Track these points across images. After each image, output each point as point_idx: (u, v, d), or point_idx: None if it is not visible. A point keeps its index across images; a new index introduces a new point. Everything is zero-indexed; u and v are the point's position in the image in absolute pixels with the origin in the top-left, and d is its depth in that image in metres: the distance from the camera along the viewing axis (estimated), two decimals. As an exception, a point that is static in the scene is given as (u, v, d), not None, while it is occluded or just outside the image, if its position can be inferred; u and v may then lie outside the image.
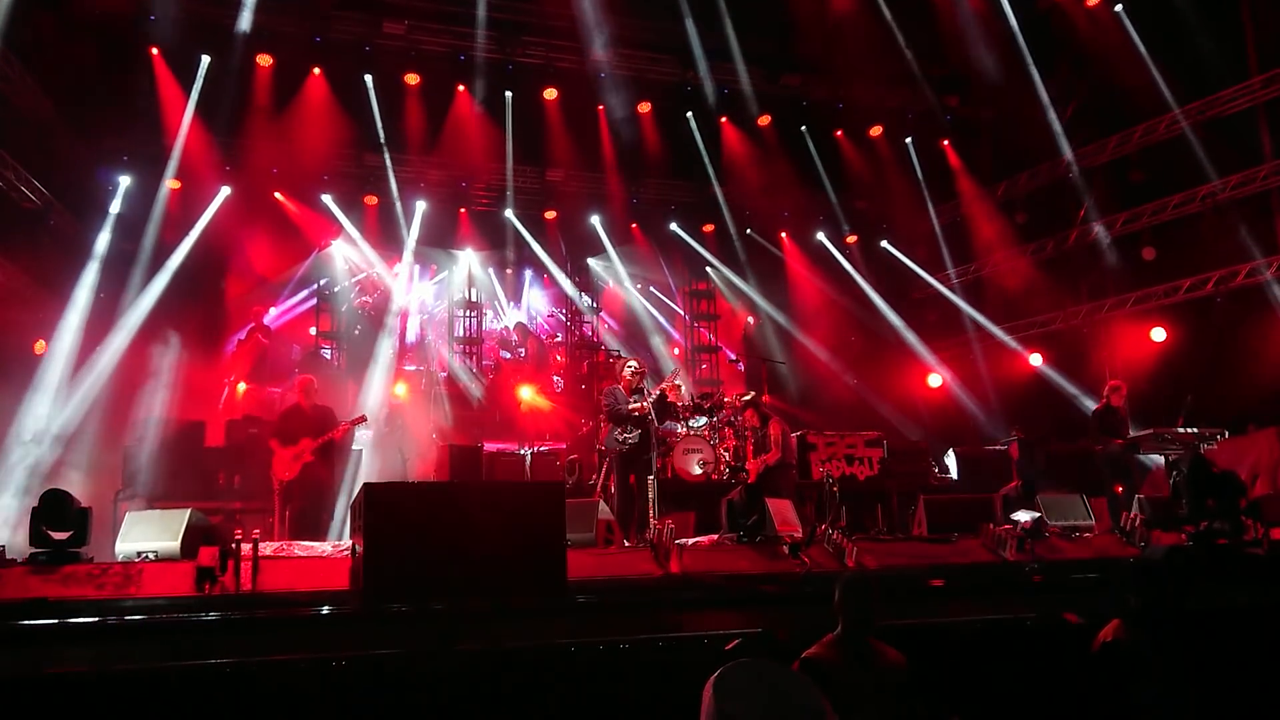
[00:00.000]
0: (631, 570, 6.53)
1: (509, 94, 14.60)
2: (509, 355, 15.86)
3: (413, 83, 14.06)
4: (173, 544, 6.38)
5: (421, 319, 16.15)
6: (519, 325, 16.35)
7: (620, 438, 8.40)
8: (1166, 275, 13.14)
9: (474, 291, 15.93)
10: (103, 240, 12.42)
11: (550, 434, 13.51)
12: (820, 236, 17.03)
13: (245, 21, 12.57)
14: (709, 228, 16.83)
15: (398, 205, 14.79)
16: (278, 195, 14.22)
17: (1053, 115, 14.25)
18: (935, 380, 15.66)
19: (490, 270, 16.43)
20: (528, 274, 16.87)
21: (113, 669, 4.14)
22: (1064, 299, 14.50)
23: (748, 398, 9.98)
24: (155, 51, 12.76)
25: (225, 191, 13.69)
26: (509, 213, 15.56)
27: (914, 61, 14.75)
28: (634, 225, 16.46)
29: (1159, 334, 12.95)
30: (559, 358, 16.21)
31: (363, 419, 9.45)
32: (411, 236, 14.87)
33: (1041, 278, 14.73)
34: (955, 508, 8.30)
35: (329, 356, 14.72)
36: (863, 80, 15.05)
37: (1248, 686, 4.97)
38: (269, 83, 13.34)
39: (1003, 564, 7.27)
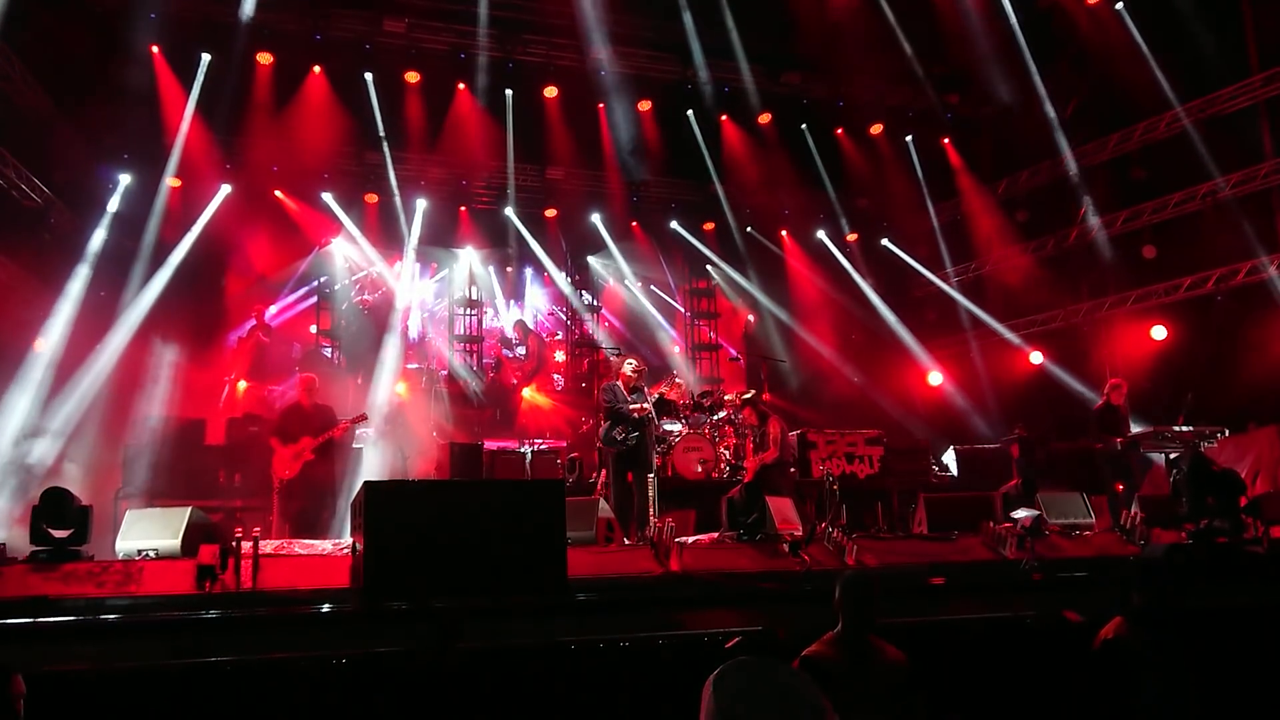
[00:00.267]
0: (632, 568, 6.56)
1: (509, 92, 14.59)
2: (509, 353, 15.86)
3: (413, 81, 14.04)
4: (173, 542, 6.39)
5: (423, 316, 16.16)
6: (519, 323, 16.35)
7: (619, 436, 8.40)
8: (1167, 273, 13.11)
9: (474, 290, 15.92)
10: (97, 238, 12.36)
11: (550, 432, 13.53)
12: (820, 234, 17.02)
13: (249, 6, 12.51)
14: (709, 226, 16.85)
15: (398, 203, 14.78)
16: (278, 193, 14.22)
17: (1053, 113, 14.23)
18: (935, 378, 15.65)
19: (491, 268, 16.43)
20: (528, 272, 16.88)
21: (113, 667, 4.15)
22: (1064, 297, 14.47)
23: (746, 396, 9.98)
24: (155, 49, 12.74)
25: (225, 189, 13.69)
26: (509, 211, 15.57)
27: (914, 59, 14.72)
28: (634, 223, 16.48)
29: (1159, 332, 12.91)
30: (560, 355, 16.21)
31: (363, 417, 9.47)
32: (412, 234, 14.87)
33: (1042, 276, 14.71)
34: (955, 506, 8.31)
35: (329, 354, 14.72)
36: (863, 78, 15.02)
37: (1248, 684, 4.97)
38: (269, 80, 13.33)
39: (1003, 562, 7.28)
